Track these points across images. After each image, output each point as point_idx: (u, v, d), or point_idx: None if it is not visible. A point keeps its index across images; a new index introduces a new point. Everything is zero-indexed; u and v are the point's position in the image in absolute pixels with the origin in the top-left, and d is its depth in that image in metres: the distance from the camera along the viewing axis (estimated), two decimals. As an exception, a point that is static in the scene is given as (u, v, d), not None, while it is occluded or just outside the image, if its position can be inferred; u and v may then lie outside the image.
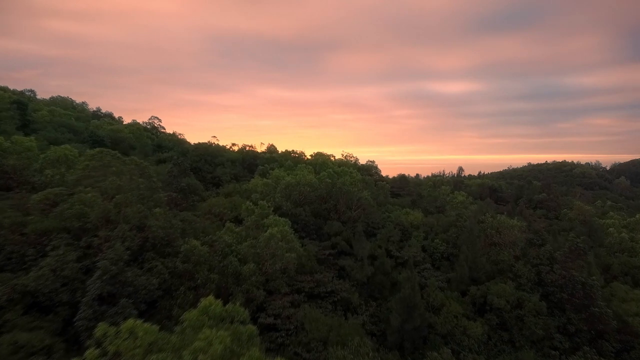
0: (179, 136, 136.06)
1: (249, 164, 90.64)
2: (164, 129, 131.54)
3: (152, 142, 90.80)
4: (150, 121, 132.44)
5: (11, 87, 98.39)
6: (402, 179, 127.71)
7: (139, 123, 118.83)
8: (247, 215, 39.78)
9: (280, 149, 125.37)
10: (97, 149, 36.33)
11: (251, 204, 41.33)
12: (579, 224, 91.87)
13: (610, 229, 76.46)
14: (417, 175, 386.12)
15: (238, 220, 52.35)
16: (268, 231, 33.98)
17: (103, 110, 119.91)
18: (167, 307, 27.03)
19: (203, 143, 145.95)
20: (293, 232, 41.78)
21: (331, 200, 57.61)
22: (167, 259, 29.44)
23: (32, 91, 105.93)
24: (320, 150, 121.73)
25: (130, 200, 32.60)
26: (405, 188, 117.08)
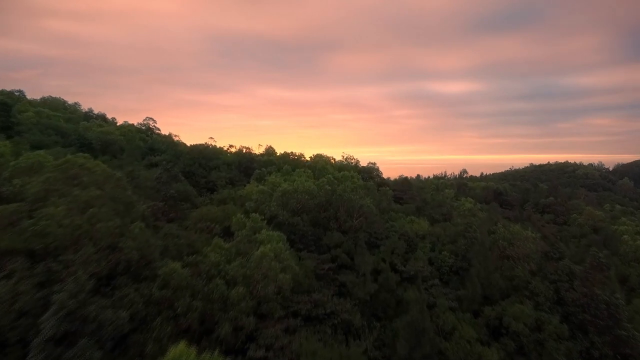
0: (175, 138, 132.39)
1: (246, 167, 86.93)
2: (159, 130, 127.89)
3: (144, 145, 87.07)
4: (145, 122, 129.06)
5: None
6: (405, 182, 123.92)
7: (131, 124, 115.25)
8: (238, 229, 36.05)
9: (280, 149, 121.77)
10: (63, 159, 32.59)
11: (242, 216, 37.59)
12: (589, 230, 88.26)
13: (625, 236, 72.71)
14: (418, 175, 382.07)
15: (231, 233, 48.77)
16: (260, 249, 30.27)
17: (97, 111, 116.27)
18: (140, 342, 23.31)
19: (199, 144, 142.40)
20: (289, 246, 38.16)
21: (331, 208, 53.93)
22: (143, 283, 25.74)
23: (20, 91, 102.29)
24: (320, 151, 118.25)
25: (104, 216, 28.93)
26: (408, 192, 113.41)
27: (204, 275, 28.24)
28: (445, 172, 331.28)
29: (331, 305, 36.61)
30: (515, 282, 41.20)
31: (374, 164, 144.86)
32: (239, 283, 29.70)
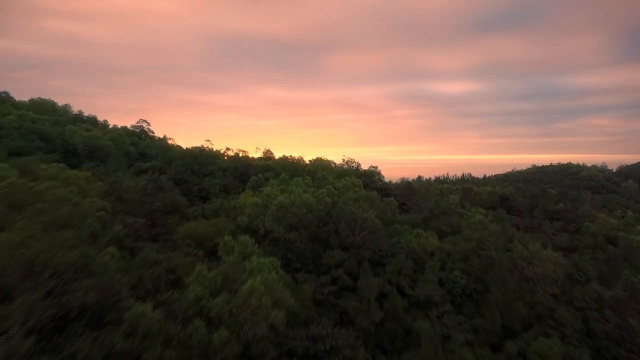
0: (170, 141, 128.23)
1: (241, 173, 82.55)
2: (153, 132, 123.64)
3: (135, 150, 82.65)
4: (139, 124, 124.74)
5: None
6: (408, 186, 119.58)
7: (122, 127, 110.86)
8: (225, 253, 31.62)
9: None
10: (6, 182, 28.02)
11: (230, 238, 33.13)
12: (603, 240, 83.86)
13: (644, 248, 68.22)
14: (419, 177, 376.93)
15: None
16: (249, 282, 25.85)
17: (88, 113, 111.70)
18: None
19: (195, 148, 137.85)
20: (284, 272, 33.73)
21: (331, 222, 49.56)
22: (104, 331, 21.31)
23: (6, 93, 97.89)
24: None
25: (64, 242, 24.50)
26: (412, 198, 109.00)
27: (180, 317, 23.82)
28: (447, 173, 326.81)
29: (331, 339, 32.20)
30: (538, 310, 36.80)
31: (376, 167, 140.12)
32: (224, 322, 25.30)
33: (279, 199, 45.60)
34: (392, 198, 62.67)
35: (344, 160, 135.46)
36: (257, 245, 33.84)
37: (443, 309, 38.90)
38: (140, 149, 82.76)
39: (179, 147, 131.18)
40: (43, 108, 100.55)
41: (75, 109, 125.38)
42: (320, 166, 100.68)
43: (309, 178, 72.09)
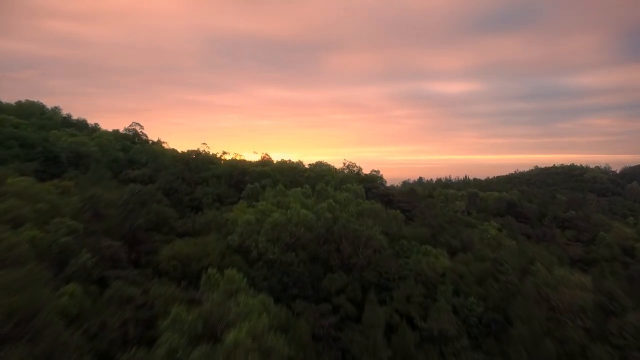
0: (164, 144, 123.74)
1: (237, 181, 77.90)
2: (146, 136, 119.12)
3: (124, 156, 78.02)
4: (132, 127, 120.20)
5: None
6: (412, 193, 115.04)
7: (110, 132, 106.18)
8: (208, 289, 27.00)
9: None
10: None
11: (215, 271, 28.46)
12: (619, 252, 79.27)
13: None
14: (420, 178, 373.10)
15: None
16: (233, 334, 21.23)
17: (78, 117, 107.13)
18: None
19: (191, 152, 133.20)
20: (277, 309, 29.13)
21: (332, 239, 45.01)
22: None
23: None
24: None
25: (9, 285, 19.95)
26: (417, 205, 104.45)
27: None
28: (450, 176, 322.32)
29: (333, 388, 27.75)
30: (568, 348, 32.20)
31: (377, 171, 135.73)
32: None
33: (274, 215, 41.02)
34: (397, 210, 58.02)
35: (344, 164, 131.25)
36: (246, 278, 29.12)
37: (459, 344, 34.30)
38: (129, 155, 78.10)
39: (174, 150, 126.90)
40: (30, 111, 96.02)
41: (72, 110, 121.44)
42: (320, 172, 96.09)
43: (308, 187, 67.62)
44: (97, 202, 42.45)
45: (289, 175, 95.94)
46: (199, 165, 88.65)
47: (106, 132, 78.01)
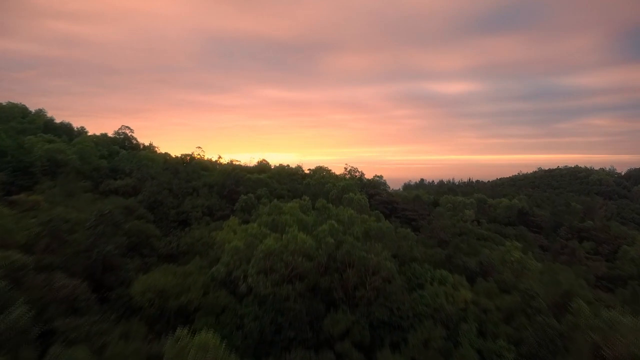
0: (156, 149, 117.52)
1: (230, 190, 71.63)
2: (136, 140, 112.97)
3: (108, 164, 71.72)
4: (121, 131, 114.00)
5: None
6: (417, 200, 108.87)
7: (100, 135, 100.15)
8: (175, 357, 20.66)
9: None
10: None
11: (186, 333, 22.14)
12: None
13: None
14: (422, 180, 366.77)
15: (188, 312, 33.58)
16: None
17: (62, 120, 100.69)
18: None
19: (185, 155, 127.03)
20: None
21: (335, 268, 38.72)
22: None
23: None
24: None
25: None
26: (423, 214, 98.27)
27: None
28: (453, 178, 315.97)
29: None
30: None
31: (380, 177, 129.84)
32: None
33: (267, 242, 34.74)
34: (408, 229, 51.72)
35: (345, 169, 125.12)
36: (225, 343, 22.74)
37: (492, 407, 28.01)
38: (113, 163, 71.75)
39: (167, 154, 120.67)
40: (10, 114, 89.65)
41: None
42: (321, 179, 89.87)
43: (307, 199, 61.38)
44: (58, 225, 36.16)
45: (286, 183, 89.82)
46: (190, 173, 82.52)
47: (87, 138, 71.33)
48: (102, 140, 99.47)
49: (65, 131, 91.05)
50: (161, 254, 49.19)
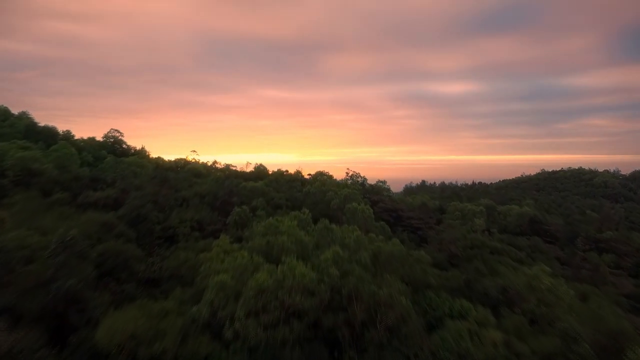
0: (148, 154, 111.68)
1: (223, 202, 65.79)
2: (126, 144, 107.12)
3: (89, 174, 65.83)
4: (111, 135, 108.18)
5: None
6: (424, 208, 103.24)
7: (87, 138, 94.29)
8: None
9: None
10: None
11: None
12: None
13: None
14: (423, 182, 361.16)
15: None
16: None
17: (45, 123, 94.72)
18: None
19: (179, 160, 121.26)
20: None
21: (340, 303, 32.90)
22: None
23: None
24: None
25: None
26: (430, 224, 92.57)
27: None
28: (456, 181, 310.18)
29: None
30: None
31: (384, 182, 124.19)
32: None
33: (260, 278, 28.92)
34: (422, 252, 45.85)
35: (347, 174, 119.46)
36: None
37: None
38: (95, 172, 65.81)
39: (160, 159, 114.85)
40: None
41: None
42: (322, 187, 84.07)
43: (307, 212, 55.74)
44: (11, 254, 30.35)
45: (285, 191, 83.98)
46: (180, 181, 76.70)
47: (65, 145, 65.01)
48: (89, 145, 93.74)
49: (49, 135, 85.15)
50: (141, 279, 43.45)
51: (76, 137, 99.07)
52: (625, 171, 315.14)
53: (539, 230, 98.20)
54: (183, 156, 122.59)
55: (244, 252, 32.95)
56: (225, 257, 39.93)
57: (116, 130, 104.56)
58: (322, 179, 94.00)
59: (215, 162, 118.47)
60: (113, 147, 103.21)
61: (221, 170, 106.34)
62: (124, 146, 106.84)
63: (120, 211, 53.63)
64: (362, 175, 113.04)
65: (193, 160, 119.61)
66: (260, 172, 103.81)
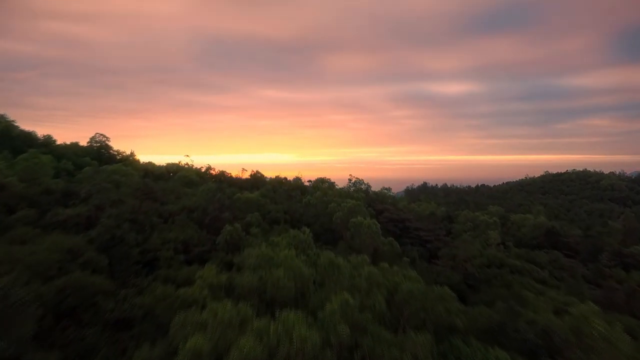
0: (136, 159, 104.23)
1: (213, 218, 58.54)
2: (112, 149, 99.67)
3: (62, 185, 58.52)
4: (98, 139, 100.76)
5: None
6: (432, 218, 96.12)
7: (70, 144, 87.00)
8: None
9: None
10: None
11: None
12: None
13: None
14: (425, 183, 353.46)
15: None
16: None
17: (24, 128, 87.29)
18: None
19: (170, 165, 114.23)
20: None
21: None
22: None
23: None
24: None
25: None
26: (440, 236, 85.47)
27: None
28: (460, 183, 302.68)
29: None
30: None
31: (389, 189, 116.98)
32: None
33: (246, 345, 21.73)
34: (444, 287, 38.54)
35: (350, 180, 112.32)
36: None
37: None
38: (69, 185, 58.47)
39: (150, 164, 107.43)
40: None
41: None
42: (323, 198, 76.93)
43: (307, 231, 48.95)
44: None
45: (283, 202, 76.83)
46: (168, 193, 69.48)
47: (34, 154, 57.71)
48: (70, 151, 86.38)
49: (24, 142, 77.77)
50: (109, 320, 36.20)
51: (58, 142, 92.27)
52: (626, 171, 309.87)
53: (557, 242, 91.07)
54: (182, 156, 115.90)
55: (228, 304, 25.74)
56: (207, 297, 33.17)
57: (102, 134, 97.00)
58: (323, 188, 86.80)
59: (209, 167, 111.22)
60: (99, 153, 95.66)
61: (215, 177, 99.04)
62: (110, 151, 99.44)
63: (92, 232, 46.45)
64: (365, 182, 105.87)
65: (186, 165, 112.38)
66: (256, 179, 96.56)
